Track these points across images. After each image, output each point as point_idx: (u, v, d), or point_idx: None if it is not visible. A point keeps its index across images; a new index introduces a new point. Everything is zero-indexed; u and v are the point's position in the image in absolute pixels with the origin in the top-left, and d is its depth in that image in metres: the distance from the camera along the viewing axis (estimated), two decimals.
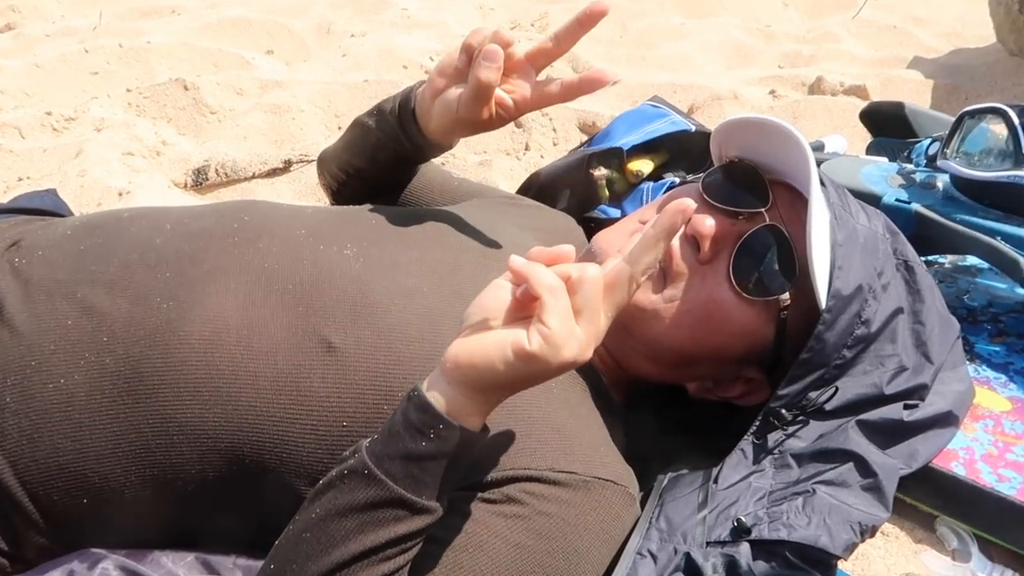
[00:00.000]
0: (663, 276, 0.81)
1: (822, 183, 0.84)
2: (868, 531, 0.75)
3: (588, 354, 0.62)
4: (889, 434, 0.82)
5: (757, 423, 0.82)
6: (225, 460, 0.73)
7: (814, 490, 0.77)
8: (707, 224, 0.80)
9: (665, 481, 0.83)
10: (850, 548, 0.73)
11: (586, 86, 0.82)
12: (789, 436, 0.81)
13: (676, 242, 0.81)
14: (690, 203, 0.61)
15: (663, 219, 0.62)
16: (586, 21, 0.79)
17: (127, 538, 0.76)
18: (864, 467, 0.79)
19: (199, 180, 1.65)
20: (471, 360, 0.61)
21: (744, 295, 0.79)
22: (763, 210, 0.81)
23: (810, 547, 0.72)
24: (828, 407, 0.81)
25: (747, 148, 0.86)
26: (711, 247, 0.80)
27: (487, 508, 0.70)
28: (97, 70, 2.19)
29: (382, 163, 0.99)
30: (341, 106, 1.98)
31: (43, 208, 1.03)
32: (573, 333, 0.60)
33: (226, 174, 1.65)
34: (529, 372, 0.60)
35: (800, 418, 0.82)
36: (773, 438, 0.82)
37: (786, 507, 0.76)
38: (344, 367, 0.74)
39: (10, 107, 1.95)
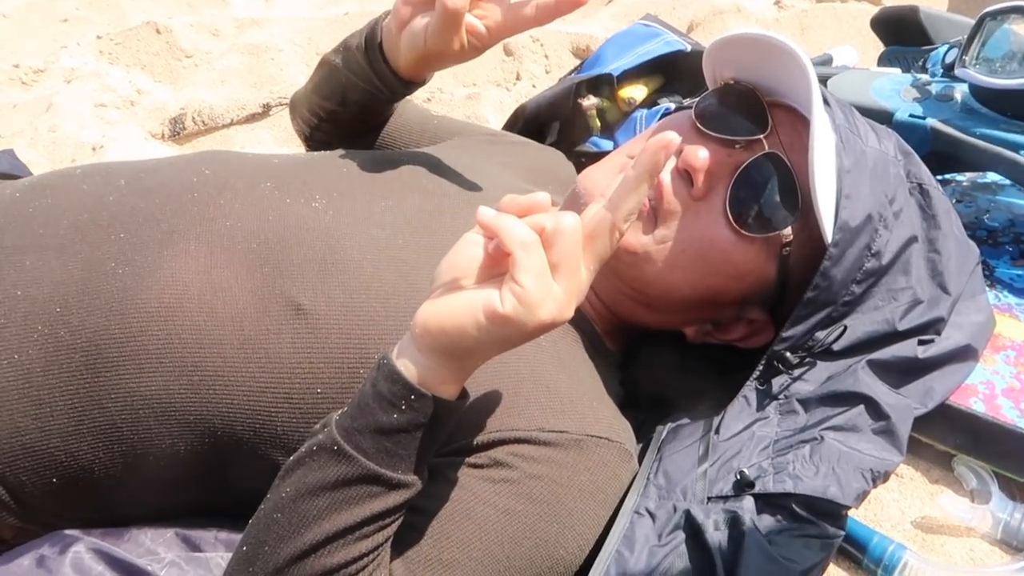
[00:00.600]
0: (654, 215, 0.75)
1: (826, 103, 0.76)
2: (880, 477, 0.71)
3: (568, 313, 0.56)
4: (902, 372, 0.77)
5: (760, 367, 0.77)
6: (195, 433, 0.69)
7: (822, 437, 0.72)
8: (700, 156, 0.73)
9: (664, 432, 0.78)
10: (861, 497, 0.69)
11: (564, 6, 0.75)
12: (795, 380, 0.76)
13: (667, 177, 0.74)
14: (673, 136, 0.55)
15: (644, 158, 0.55)
16: None
17: (102, 516, 0.74)
18: (875, 409, 0.74)
19: (176, 130, 1.58)
20: (440, 325, 0.55)
21: (742, 232, 0.73)
22: (761, 137, 0.74)
23: (818, 498, 0.68)
24: (836, 347, 0.76)
25: (743, 68, 0.79)
26: (705, 181, 0.73)
27: (473, 473, 0.66)
28: (66, 17, 2.09)
29: (353, 104, 0.92)
30: (322, 43, 1.89)
31: (0, 171, 0.97)
32: (550, 291, 0.54)
33: (203, 122, 1.58)
34: (504, 335, 0.55)
35: (807, 360, 0.76)
36: (778, 383, 0.77)
37: (792, 456, 0.71)
38: (315, 330, 0.69)
39: None
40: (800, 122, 0.75)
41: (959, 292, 0.81)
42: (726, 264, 0.74)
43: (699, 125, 0.76)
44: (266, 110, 1.64)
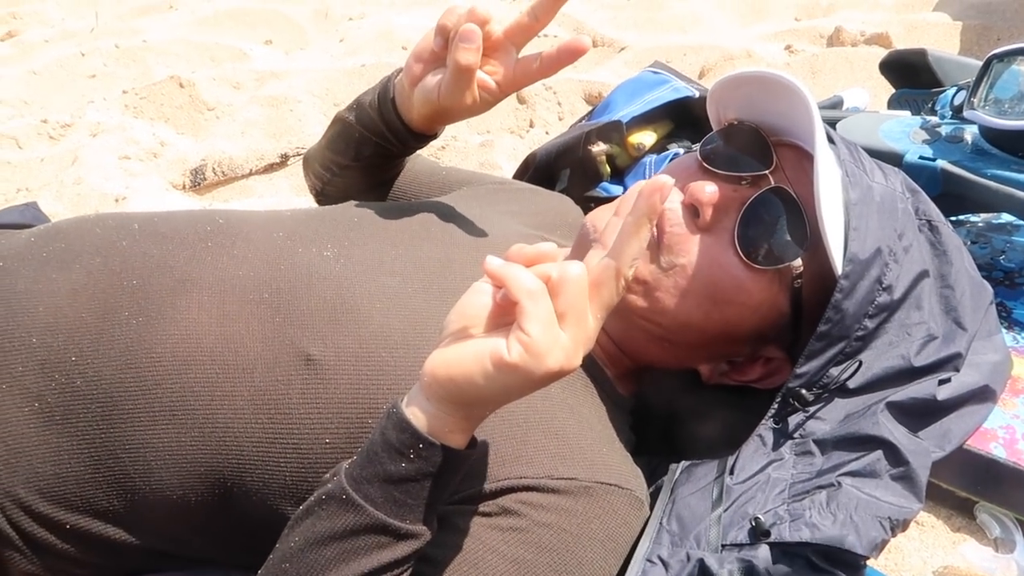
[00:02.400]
0: (659, 246, 0.75)
1: (831, 140, 0.77)
2: (899, 525, 0.69)
3: (576, 361, 0.56)
4: (921, 415, 0.75)
5: (776, 406, 0.75)
6: (206, 484, 0.69)
7: (839, 483, 0.70)
8: (707, 191, 0.73)
9: (678, 472, 0.77)
10: (880, 546, 0.67)
11: (564, 56, 0.77)
12: (811, 418, 0.75)
13: (676, 206, 0.75)
14: (668, 179, 0.55)
15: (641, 202, 0.55)
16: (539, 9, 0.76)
17: (114, 564, 0.74)
18: (894, 454, 0.72)
19: (197, 180, 1.62)
20: (449, 373, 0.56)
21: (753, 265, 0.73)
22: (767, 172, 0.75)
23: (836, 548, 0.66)
24: (852, 384, 0.75)
25: (746, 107, 0.80)
26: (712, 215, 0.73)
27: (482, 522, 0.65)
28: (94, 73, 2.17)
29: (367, 159, 0.94)
30: (339, 93, 1.94)
31: (22, 223, 0.99)
32: (557, 340, 0.54)
33: (223, 172, 1.61)
34: (512, 384, 0.55)
35: (823, 396, 0.75)
36: (794, 421, 0.75)
37: (808, 503, 0.70)
38: (323, 380, 0.69)
39: (7, 117, 1.93)
40: (805, 158, 0.75)
41: (975, 329, 0.79)
42: (739, 292, 0.73)
43: (705, 165, 0.77)
44: (284, 160, 1.67)
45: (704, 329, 0.75)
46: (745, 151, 0.77)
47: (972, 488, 0.79)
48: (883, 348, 0.75)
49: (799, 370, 0.74)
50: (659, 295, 0.74)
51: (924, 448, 0.74)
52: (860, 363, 0.74)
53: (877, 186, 0.77)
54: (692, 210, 0.74)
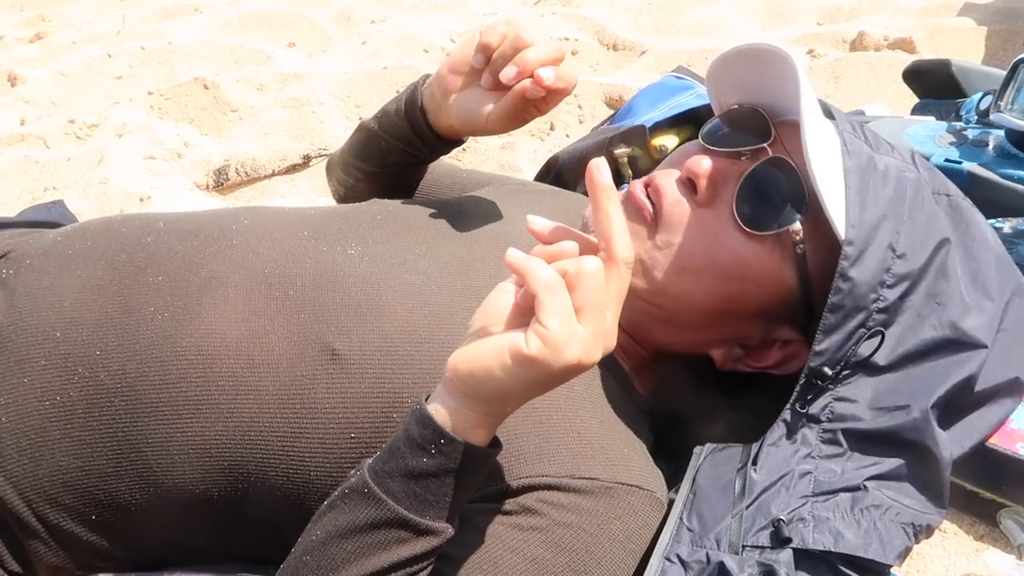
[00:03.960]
0: (655, 221, 0.74)
1: (831, 115, 0.76)
2: (923, 532, 0.68)
3: (595, 355, 0.56)
4: (955, 411, 0.73)
5: (799, 387, 0.72)
6: (230, 478, 0.70)
7: (865, 487, 0.69)
8: (703, 164, 0.73)
9: (701, 458, 0.74)
10: (904, 554, 0.67)
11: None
12: (838, 400, 0.72)
13: (671, 184, 0.75)
14: (599, 160, 0.56)
15: (592, 190, 0.56)
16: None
17: (137, 557, 0.75)
18: (926, 460, 0.70)
19: (220, 180, 1.63)
20: (469, 367, 0.56)
21: (750, 230, 0.72)
22: (765, 145, 0.74)
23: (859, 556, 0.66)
24: (881, 360, 0.71)
25: (743, 89, 0.80)
26: (709, 187, 0.73)
27: (502, 520, 0.66)
28: (120, 74, 2.19)
29: (392, 165, 0.96)
30: (361, 95, 1.95)
31: (49, 221, 1.01)
32: (575, 333, 0.54)
33: (246, 173, 1.63)
34: (531, 378, 0.55)
35: (846, 372, 0.71)
36: (819, 405, 0.72)
37: (832, 505, 0.69)
38: (349, 375, 0.70)
39: (35, 117, 1.96)
40: None
41: (1004, 302, 0.76)
42: (738, 265, 0.73)
43: (705, 145, 0.77)
44: (306, 161, 1.69)
45: (707, 307, 0.74)
46: (745, 130, 0.77)
47: (998, 489, 0.79)
48: (912, 321, 0.72)
49: (818, 347, 0.70)
50: (656, 274, 0.74)
51: (951, 451, 0.73)
52: (883, 335, 0.70)
53: (882, 157, 0.75)
54: (690, 186, 0.74)
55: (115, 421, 0.70)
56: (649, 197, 0.76)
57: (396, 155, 0.93)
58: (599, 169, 0.56)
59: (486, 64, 0.78)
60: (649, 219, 0.75)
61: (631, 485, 0.69)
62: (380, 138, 0.93)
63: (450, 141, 0.89)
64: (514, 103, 0.77)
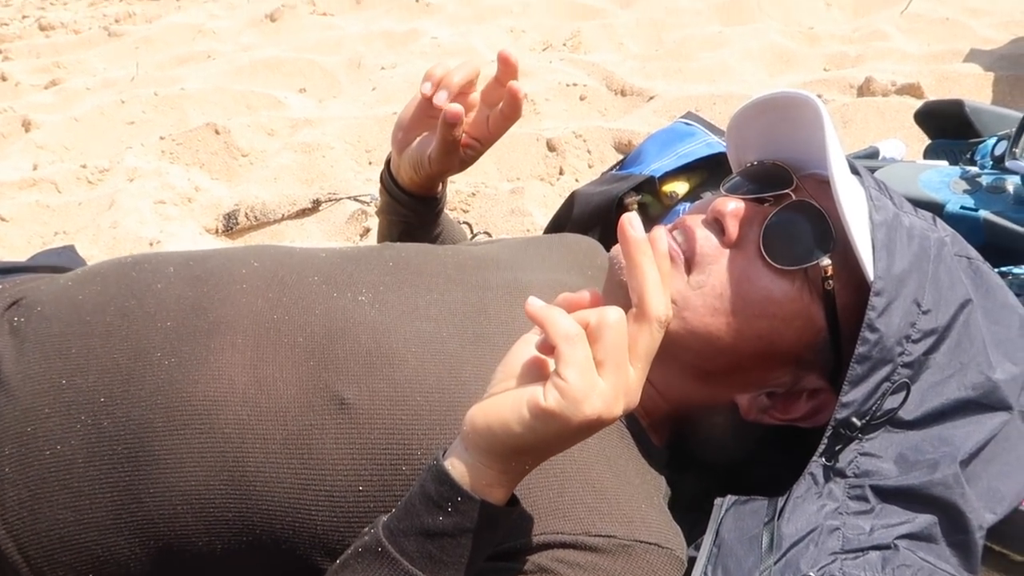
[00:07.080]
0: (688, 263, 0.74)
1: (856, 172, 0.76)
2: None
3: (616, 411, 0.55)
4: (980, 473, 0.71)
5: (826, 439, 0.71)
6: (233, 531, 0.68)
7: (896, 546, 0.67)
8: (729, 205, 0.73)
9: (723, 511, 0.72)
10: None
11: (511, 96, 0.87)
12: (864, 455, 0.70)
13: (698, 226, 0.74)
14: (632, 215, 0.58)
15: (627, 248, 0.57)
16: (504, 75, 0.87)
17: None
18: (957, 521, 0.68)
19: (229, 225, 1.64)
20: (487, 421, 0.55)
21: (778, 265, 0.71)
22: (789, 191, 0.74)
23: None
24: (907, 416, 0.70)
25: (764, 145, 0.79)
26: (736, 225, 0.73)
27: None
28: (133, 120, 2.22)
29: (398, 238, 1.02)
30: (371, 140, 1.97)
31: (59, 265, 1.01)
32: (595, 386, 0.53)
33: (256, 217, 1.63)
34: (550, 433, 0.54)
35: (874, 425, 0.70)
36: (846, 459, 0.70)
37: (863, 563, 0.66)
38: (358, 425, 0.68)
39: (48, 162, 1.98)
40: (827, 184, 0.73)
41: None
42: (768, 302, 0.71)
43: (727, 194, 0.77)
44: (316, 205, 1.69)
45: (737, 348, 0.73)
46: (767, 179, 0.77)
47: None
48: (936, 379, 0.71)
49: (845, 399, 0.69)
50: (688, 315, 0.73)
51: (983, 516, 0.70)
52: (908, 389, 0.69)
53: (907, 216, 0.75)
54: (717, 227, 0.74)
55: (116, 470, 0.68)
56: (675, 239, 0.75)
57: (397, 228, 1.01)
58: (632, 224, 0.56)
59: (427, 109, 0.88)
60: (681, 263, 0.74)
61: (649, 543, 0.67)
62: (382, 219, 1.03)
63: (424, 197, 0.97)
64: (442, 132, 0.87)
